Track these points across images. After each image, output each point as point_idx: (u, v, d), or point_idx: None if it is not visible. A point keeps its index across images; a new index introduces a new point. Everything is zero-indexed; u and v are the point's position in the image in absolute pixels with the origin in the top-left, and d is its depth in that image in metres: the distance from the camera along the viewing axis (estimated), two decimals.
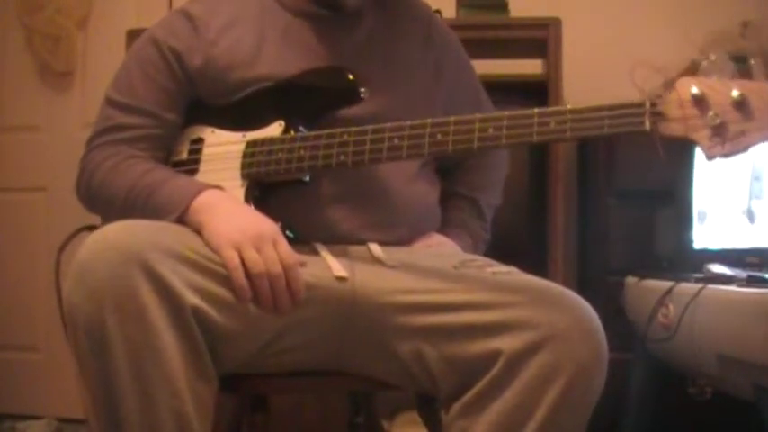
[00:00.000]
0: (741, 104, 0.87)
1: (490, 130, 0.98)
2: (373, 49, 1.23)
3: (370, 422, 1.53)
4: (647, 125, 0.90)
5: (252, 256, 0.98)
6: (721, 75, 0.88)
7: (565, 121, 0.94)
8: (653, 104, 0.91)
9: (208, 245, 1.00)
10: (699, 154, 1.82)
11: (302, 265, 1.03)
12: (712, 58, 0.89)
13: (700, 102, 0.89)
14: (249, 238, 0.99)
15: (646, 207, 2.06)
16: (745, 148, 0.87)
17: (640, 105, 0.91)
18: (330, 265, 1.06)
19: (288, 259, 1.00)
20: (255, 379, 1.08)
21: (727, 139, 0.87)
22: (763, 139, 0.86)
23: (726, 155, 0.88)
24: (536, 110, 0.97)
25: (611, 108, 0.92)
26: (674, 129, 0.90)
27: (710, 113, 0.88)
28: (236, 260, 0.98)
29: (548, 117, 0.95)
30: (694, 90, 0.89)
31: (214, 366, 0.96)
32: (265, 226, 1.03)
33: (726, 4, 2.36)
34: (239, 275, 0.97)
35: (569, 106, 0.95)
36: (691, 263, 1.74)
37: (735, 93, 0.87)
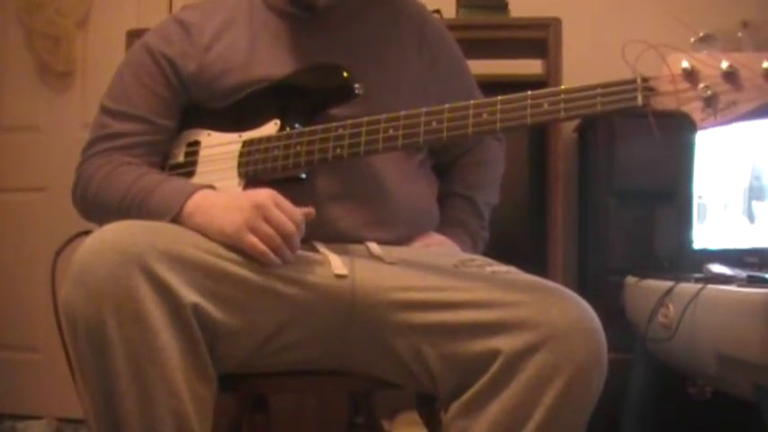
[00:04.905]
0: (731, 76, 0.88)
1: (484, 115, 0.99)
2: (366, 51, 1.24)
3: (370, 422, 1.53)
4: (640, 100, 0.91)
5: (266, 231, 1.00)
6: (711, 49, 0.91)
7: (558, 101, 0.95)
8: (644, 80, 0.92)
9: (220, 244, 1.00)
10: (699, 153, 1.83)
11: (308, 215, 1.04)
12: (701, 34, 0.91)
13: (690, 75, 0.90)
14: (253, 214, 1.00)
15: (646, 207, 2.06)
16: (736, 118, 0.89)
17: (632, 82, 0.92)
18: (330, 263, 1.06)
19: (295, 216, 1.02)
20: (255, 379, 1.09)
21: (718, 110, 0.89)
22: (753, 109, 0.88)
23: (718, 125, 0.89)
24: (529, 92, 0.97)
25: (603, 86, 0.93)
26: (666, 102, 0.91)
27: (701, 86, 0.89)
28: (259, 245, 0.99)
29: (541, 99, 0.96)
30: (685, 64, 0.90)
31: (214, 366, 0.97)
32: (260, 195, 1.03)
33: (726, 4, 2.36)
34: (268, 258, 1.00)
35: (562, 87, 0.96)
36: (691, 263, 1.74)
37: (724, 65, 0.88)
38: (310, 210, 1.05)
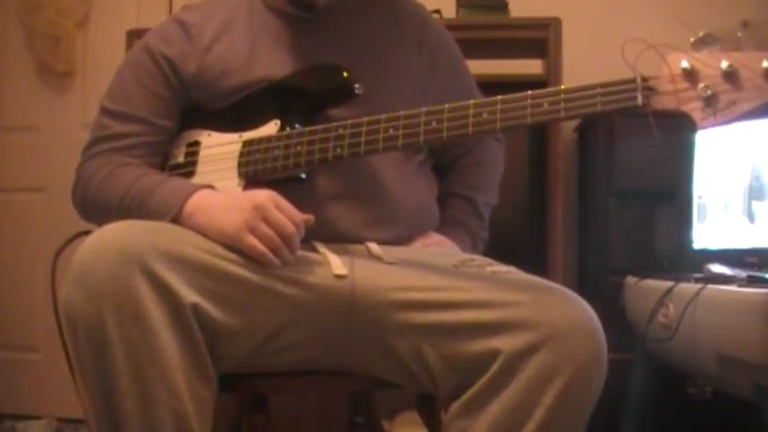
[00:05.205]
0: (731, 75, 0.88)
1: (484, 115, 0.99)
2: (366, 51, 1.24)
3: (370, 422, 1.53)
4: (640, 100, 0.91)
5: (265, 232, 1.00)
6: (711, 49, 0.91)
7: (558, 101, 0.94)
8: (644, 80, 0.92)
9: (220, 244, 1.00)
10: (699, 153, 1.83)
11: (308, 222, 1.04)
12: (701, 34, 0.91)
13: (690, 75, 0.90)
14: (252, 215, 1.00)
15: (646, 207, 2.06)
16: (736, 118, 0.89)
17: (632, 81, 0.92)
18: (330, 263, 1.06)
19: (295, 217, 1.02)
20: (255, 379, 1.09)
21: (718, 110, 0.89)
22: (753, 108, 0.88)
23: (718, 125, 0.90)
24: (529, 92, 0.97)
25: (603, 86, 0.93)
26: (666, 102, 0.92)
27: (701, 85, 0.89)
28: (259, 246, 0.99)
29: (541, 98, 0.96)
30: (684, 64, 0.90)
31: (214, 366, 0.97)
32: (260, 195, 1.03)
33: (726, 4, 2.36)
34: (268, 259, 1.00)
35: (562, 86, 0.96)
36: (691, 263, 1.74)
37: (724, 64, 0.89)
38: (310, 217, 1.05)
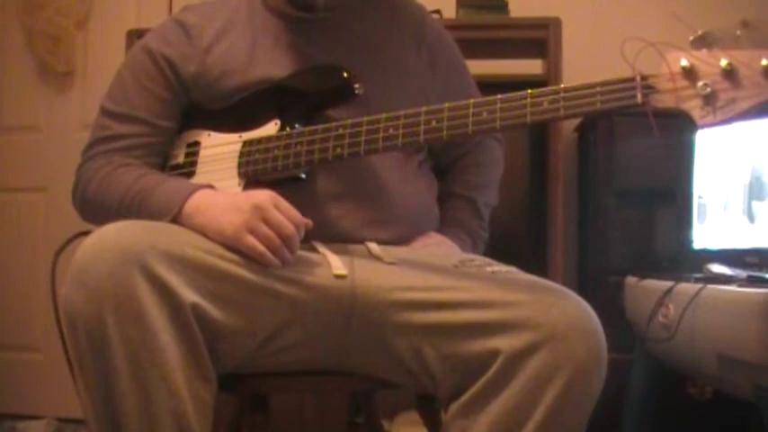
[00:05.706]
0: (730, 73, 0.89)
1: (484, 114, 0.99)
2: (366, 51, 1.24)
3: (370, 422, 1.53)
4: (639, 98, 0.91)
5: (265, 233, 1.00)
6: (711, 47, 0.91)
7: (557, 99, 0.94)
8: (644, 78, 0.92)
9: (220, 244, 1.00)
10: (699, 153, 1.83)
11: (306, 225, 1.04)
12: (700, 32, 0.91)
13: (689, 73, 0.90)
14: (252, 215, 1.00)
15: (646, 207, 2.06)
16: (735, 116, 0.89)
17: (631, 80, 0.92)
18: (330, 263, 1.06)
19: (295, 218, 1.02)
20: (255, 379, 1.09)
21: (717, 108, 0.89)
22: (752, 106, 0.88)
23: (717, 124, 0.90)
24: (529, 91, 0.97)
25: (603, 84, 0.93)
26: (665, 100, 0.92)
27: (700, 83, 0.90)
28: (258, 246, 0.99)
29: (540, 97, 0.96)
30: (684, 62, 0.91)
31: (214, 365, 0.97)
32: (259, 196, 1.03)
33: (725, 2, 2.36)
34: (267, 259, 1.00)
35: (562, 85, 0.96)
36: (691, 263, 1.74)
37: (723, 62, 0.89)
38: (308, 221, 1.05)
